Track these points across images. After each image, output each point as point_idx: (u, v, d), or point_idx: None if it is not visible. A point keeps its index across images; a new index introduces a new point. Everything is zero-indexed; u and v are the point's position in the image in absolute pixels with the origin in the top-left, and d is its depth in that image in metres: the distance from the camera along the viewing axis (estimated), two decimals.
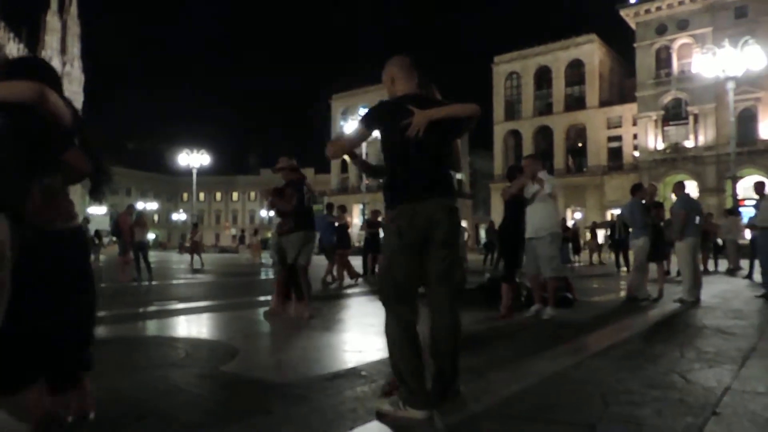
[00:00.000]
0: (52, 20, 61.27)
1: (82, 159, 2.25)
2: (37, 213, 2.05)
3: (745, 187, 35.29)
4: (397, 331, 2.73)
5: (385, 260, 2.94)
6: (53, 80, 2.23)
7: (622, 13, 48.85)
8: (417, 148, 2.76)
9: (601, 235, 24.21)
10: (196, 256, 21.07)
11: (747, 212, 19.01)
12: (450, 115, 2.84)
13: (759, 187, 8.84)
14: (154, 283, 12.13)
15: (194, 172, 46.64)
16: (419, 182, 2.77)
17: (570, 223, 23.52)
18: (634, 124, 49.76)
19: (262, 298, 9.31)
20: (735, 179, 24.24)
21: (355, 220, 56.19)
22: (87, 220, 18.10)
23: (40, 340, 2.08)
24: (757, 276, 10.41)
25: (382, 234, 8.54)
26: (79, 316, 2.28)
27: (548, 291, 6.45)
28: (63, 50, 61.90)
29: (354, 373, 3.59)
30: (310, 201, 6.63)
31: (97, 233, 20.41)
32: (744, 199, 29.29)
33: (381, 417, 2.67)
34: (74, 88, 62.28)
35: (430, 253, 2.77)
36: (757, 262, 10.19)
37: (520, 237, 6.45)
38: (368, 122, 2.92)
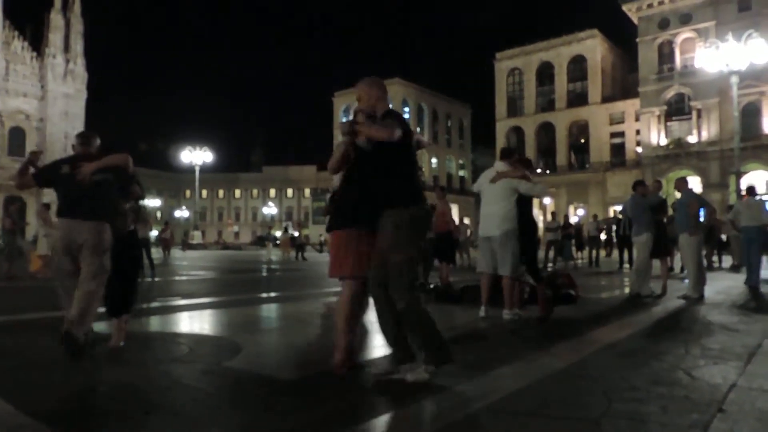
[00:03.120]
0: (56, 18, 61.10)
1: (137, 190, 4.61)
2: (119, 224, 4.38)
3: (749, 182, 35.16)
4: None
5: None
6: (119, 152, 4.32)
7: (625, 7, 48.63)
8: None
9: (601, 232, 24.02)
10: (165, 252, 22.43)
11: None
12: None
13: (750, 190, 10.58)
14: (156, 279, 12.15)
15: (197, 169, 46.71)
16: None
17: (573, 220, 23.42)
18: (637, 119, 49.56)
19: (264, 295, 9.33)
20: (739, 174, 24.12)
21: None
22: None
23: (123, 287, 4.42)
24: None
25: None
26: (132, 277, 4.56)
27: (504, 291, 6.03)
28: (66, 48, 61.74)
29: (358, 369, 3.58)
30: None
31: None
32: (747, 191, 29.12)
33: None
34: (78, 86, 62.16)
35: None
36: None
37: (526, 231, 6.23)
38: (406, 128, 3.33)
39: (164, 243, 23.82)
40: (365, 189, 3.36)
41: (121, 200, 4.47)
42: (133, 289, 4.56)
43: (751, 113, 41.15)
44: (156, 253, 16.37)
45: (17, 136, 58.63)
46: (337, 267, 3.43)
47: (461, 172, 73.92)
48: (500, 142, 58.60)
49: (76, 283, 4.09)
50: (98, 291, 4.10)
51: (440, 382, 3.17)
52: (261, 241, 53.07)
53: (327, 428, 2.54)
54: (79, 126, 61.95)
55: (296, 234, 27.39)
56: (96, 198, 4.13)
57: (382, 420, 2.64)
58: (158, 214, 77.33)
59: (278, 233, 32.79)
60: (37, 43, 61.57)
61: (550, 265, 17.60)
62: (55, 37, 61.27)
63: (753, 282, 9.49)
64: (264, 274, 16.05)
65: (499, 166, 6.27)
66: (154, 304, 7.69)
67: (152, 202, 73.81)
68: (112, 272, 4.20)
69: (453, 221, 10.77)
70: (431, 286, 8.53)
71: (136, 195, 4.67)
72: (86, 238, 4.07)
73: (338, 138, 3.63)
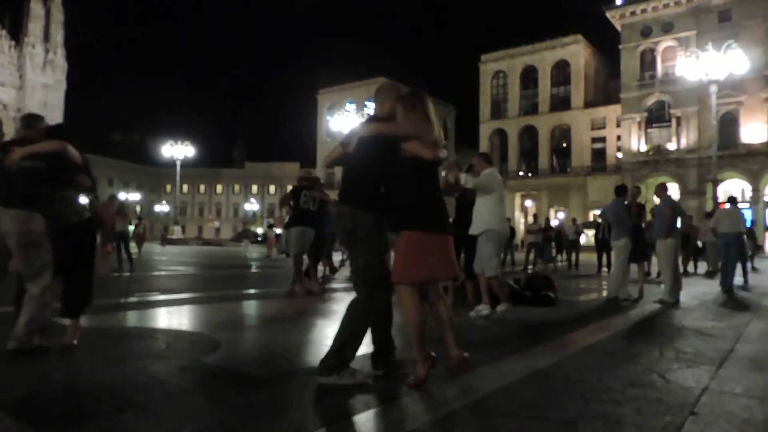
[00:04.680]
0: (36, 7, 60.14)
1: (85, 180, 4.15)
2: (58, 214, 3.99)
3: (725, 190, 35.83)
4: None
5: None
6: (69, 138, 3.97)
7: (608, 14, 49.20)
8: None
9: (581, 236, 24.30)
10: (138, 247, 22.21)
11: None
12: None
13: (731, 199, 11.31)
14: (135, 274, 12.01)
15: (178, 163, 46.26)
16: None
17: (554, 223, 23.63)
18: (618, 125, 50.20)
19: (244, 291, 9.26)
20: (716, 182, 24.57)
21: None
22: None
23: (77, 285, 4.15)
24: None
25: None
26: (85, 274, 4.20)
27: (482, 289, 6.34)
28: (46, 37, 60.78)
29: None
30: (307, 203, 8.28)
31: None
32: (724, 203, 29.69)
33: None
34: (57, 76, 61.29)
35: None
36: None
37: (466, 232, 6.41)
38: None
39: (138, 238, 23.75)
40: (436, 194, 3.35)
41: (61, 189, 4.06)
42: (88, 286, 4.24)
43: (728, 122, 41.93)
44: (133, 248, 16.17)
45: None
46: (407, 270, 3.19)
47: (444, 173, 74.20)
48: (484, 143, 58.91)
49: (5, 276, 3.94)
50: (44, 295, 3.83)
51: None
52: (240, 237, 52.83)
53: (306, 427, 2.54)
54: (58, 117, 61.00)
55: (279, 232, 27.32)
56: (22, 185, 3.75)
57: (360, 419, 2.64)
58: (138, 209, 76.41)
59: (259, 230, 32.65)
60: (16, 32, 60.49)
61: (530, 267, 17.75)
62: (34, 27, 60.30)
63: (727, 284, 10.06)
64: (244, 270, 15.94)
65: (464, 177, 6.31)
66: (132, 299, 7.60)
67: (132, 196, 72.94)
68: (64, 269, 4.00)
69: None
70: None
71: (85, 186, 4.23)
72: (9, 227, 3.75)
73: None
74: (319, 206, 8.51)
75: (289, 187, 11.05)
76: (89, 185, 4.20)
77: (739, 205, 12.33)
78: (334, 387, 3.07)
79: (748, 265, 13.35)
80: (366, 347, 3.35)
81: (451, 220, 5.04)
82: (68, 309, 4.13)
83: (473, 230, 6.32)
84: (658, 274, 11.17)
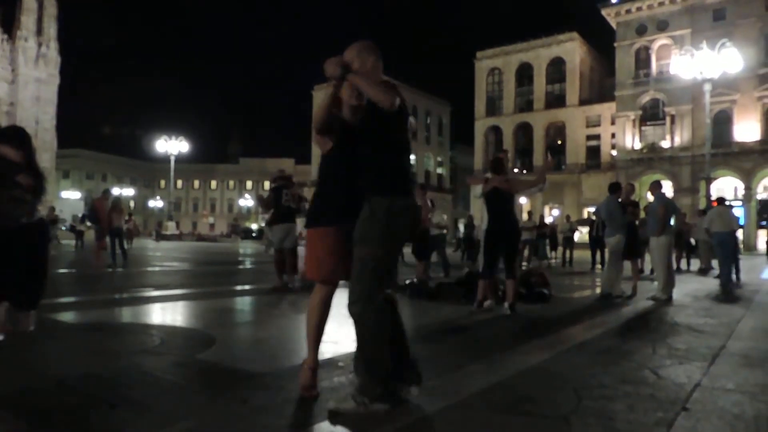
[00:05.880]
0: (29, 0, 59.68)
1: (26, 179, 3.72)
2: (5, 213, 3.59)
3: (718, 188, 35.97)
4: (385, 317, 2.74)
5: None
6: (10, 138, 3.80)
7: (604, 12, 49.26)
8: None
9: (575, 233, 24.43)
10: (128, 242, 22.06)
11: None
12: None
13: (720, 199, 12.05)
14: (128, 269, 11.97)
15: (172, 159, 46.05)
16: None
17: (548, 220, 23.70)
18: (613, 123, 50.34)
19: (239, 288, 9.26)
20: (709, 180, 24.71)
21: None
22: (56, 216, 21.27)
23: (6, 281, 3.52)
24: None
25: None
26: (29, 273, 3.69)
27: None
28: (39, 31, 60.29)
29: (330, 363, 3.58)
30: (288, 201, 8.60)
31: (83, 218, 20.49)
32: (717, 200, 29.86)
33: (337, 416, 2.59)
34: (50, 70, 60.79)
35: None
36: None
37: (498, 232, 6.43)
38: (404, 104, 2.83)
39: (128, 234, 23.71)
40: (350, 177, 2.82)
41: (4, 189, 3.72)
42: (37, 286, 3.85)
43: (722, 121, 42.09)
44: (151, 243, 16.11)
45: None
46: (316, 268, 2.96)
47: (439, 170, 74.13)
48: (479, 140, 58.98)
49: None
50: None
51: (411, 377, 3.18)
52: (232, 233, 52.84)
53: (299, 422, 2.54)
54: (50, 111, 60.68)
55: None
56: None
57: (353, 414, 2.64)
58: (132, 204, 76.15)
59: (254, 226, 32.62)
60: (9, 26, 59.97)
61: (524, 264, 17.80)
62: (27, 20, 59.80)
63: (723, 279, 10.46)
64: (238, 266, 15.92)
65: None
66: (126, 295, 7.58)
67: (126, 192, 72.65)
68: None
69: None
70: (407, 282, 8.58)
71: (27, 185, 3.90)
72: None
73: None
74: (298, 203, 8.85)
75: (266, 184, 11.67)
76: (31, 184, 3.93)
77: (730, 204, 12.72)
78: (329, 384, 3.07)
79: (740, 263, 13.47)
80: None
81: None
82: (27, 301, 3.80)
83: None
84: (652, 271, 11.25)
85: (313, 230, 2.96)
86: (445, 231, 12.63)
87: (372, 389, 2.64)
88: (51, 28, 61.69)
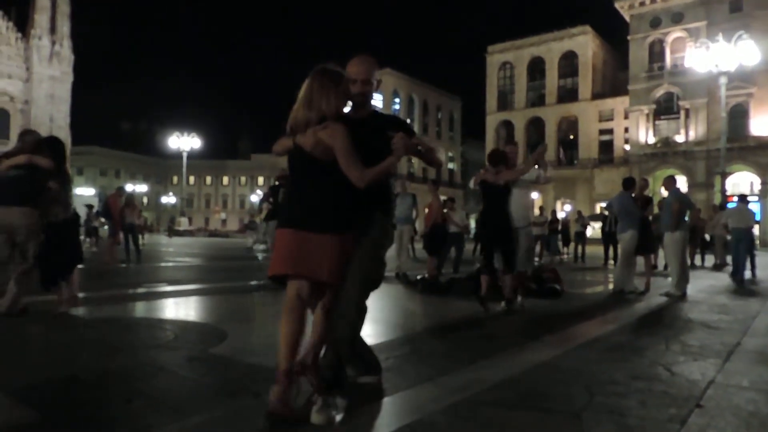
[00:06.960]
0: None
1: (53, 185, 5.10)
2: (46, 211, 5.08)
3: (734, 183, 35.55)
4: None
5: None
6: (53, 149, 5.22)
7: (617, 4, 48.70)
8: None
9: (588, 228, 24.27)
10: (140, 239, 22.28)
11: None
12: None
13: (741, 197, 12.04)
14: (142, 265, 12.07)
15: (184, 155, 46.35)
16: None
17: (560, 215, 23.57)
18: (626, 117, 49.77)
19: (250, 283, 9.30)
20: (724, 175, 24.39)
21: None
22: (91, 208, 21.85)
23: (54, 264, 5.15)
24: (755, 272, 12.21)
25: None
26: (68, 258, 5.34)
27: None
28: (53, 29, 60.67)
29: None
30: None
31: (97, 214, 20.47)
32: (733, 196, 29.56)
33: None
34: (64, 68, 61.16)
35: None
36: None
37: (484, 226, 6.30)
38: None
39: (138, 229, 24.12)
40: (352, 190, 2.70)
41: (45, 191, 5.24)
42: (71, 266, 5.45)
43: (738, 114, 41.49)
44: (163, 239, 16.24)
45: (1, 118, 57.75)
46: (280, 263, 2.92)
47: (450, 165, 73.93)
48: (490, 135, 58.64)
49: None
50: (28, 273, 5.06)
51: (423, 373, 3.19)
52: (246, 228, 53.02)
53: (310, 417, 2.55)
54: (64, 109, 61.14)
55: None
56: (16, 189, 4.94)
57: (363, 409, 2.65)
58: (144, 200, 76.77)
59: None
60: (23, 24, 60.47)
61: (537, 259, 17.72)
62: (41, 18, 60.20)
63: (739, 276, 10.67)
64: (251, 261, 15.99)
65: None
66: (140, 290, 7.65)
67: (139, 188, 73.22)
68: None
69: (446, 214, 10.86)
70: (418, 277, 8.57)
71: (54, 189, 5.25)
72: (19, 221, 4.92)
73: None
74: None
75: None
76: (57, 188, 5.17)
77: (748, 199, 12.76)
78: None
79: (756, 259, 13.33)
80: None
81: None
82: (60, 275, 5.30)
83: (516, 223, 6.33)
84: (665, 267, 11.16)
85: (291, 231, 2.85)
86: (465, 232, 12.44)
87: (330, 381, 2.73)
88: (64, 27, 62.08)
